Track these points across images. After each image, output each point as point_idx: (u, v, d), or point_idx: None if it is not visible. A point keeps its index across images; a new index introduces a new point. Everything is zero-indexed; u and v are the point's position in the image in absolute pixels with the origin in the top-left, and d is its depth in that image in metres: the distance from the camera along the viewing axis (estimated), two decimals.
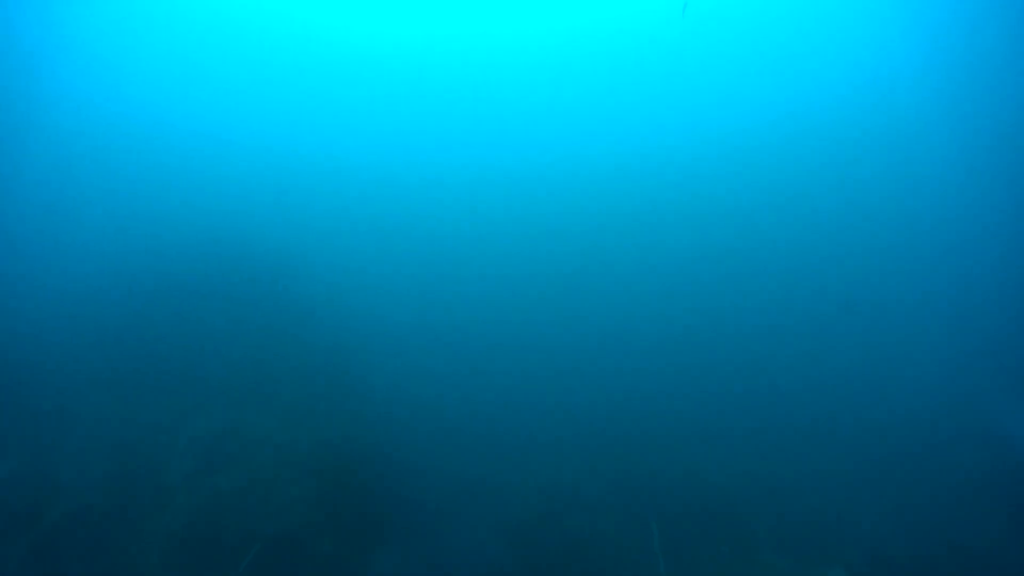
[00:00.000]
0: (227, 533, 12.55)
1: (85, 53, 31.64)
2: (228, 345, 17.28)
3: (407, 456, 14.68)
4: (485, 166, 31.94)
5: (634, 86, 36.22)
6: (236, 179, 28.08)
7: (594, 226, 28.99)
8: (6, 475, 12.98)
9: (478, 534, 12.75)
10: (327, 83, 37.60)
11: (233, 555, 12.22)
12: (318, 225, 25.39)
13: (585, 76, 36.57)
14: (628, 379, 19.97)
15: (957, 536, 13.18)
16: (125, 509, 13.11)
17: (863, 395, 18.47)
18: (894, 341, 20.85)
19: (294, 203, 26.71)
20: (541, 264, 26.06)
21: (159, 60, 33.69)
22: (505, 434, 16.75)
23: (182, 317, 17.99)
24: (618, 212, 28.50)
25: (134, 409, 15.10)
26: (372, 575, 11.71)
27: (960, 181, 26.46)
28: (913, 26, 29.61)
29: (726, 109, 34.30)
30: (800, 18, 33.53)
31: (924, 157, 27.68)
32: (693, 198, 29.13)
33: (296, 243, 23.25)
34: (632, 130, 34.12)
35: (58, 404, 14.84)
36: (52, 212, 23.00)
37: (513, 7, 35.89)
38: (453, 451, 15.51)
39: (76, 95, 29.73)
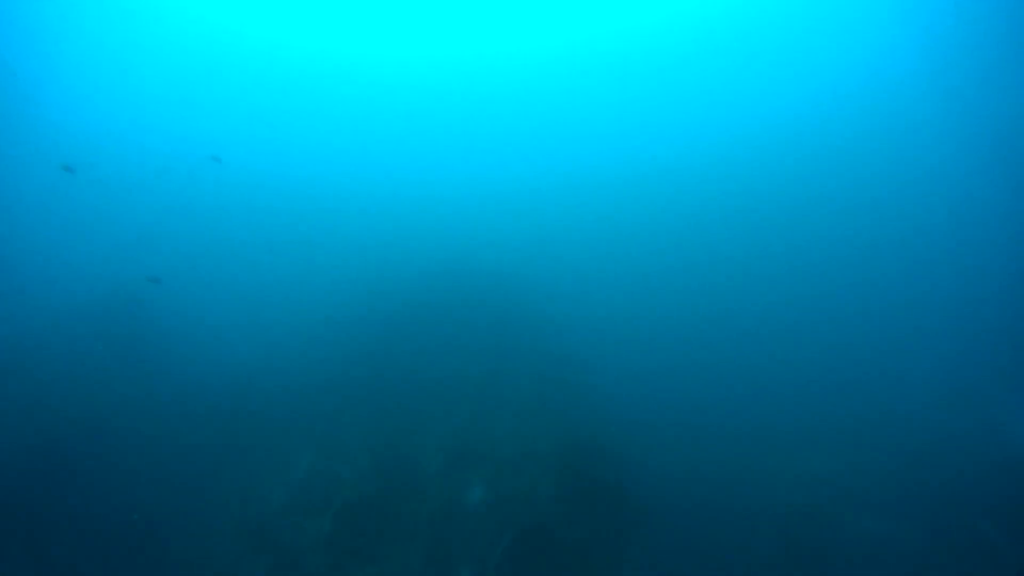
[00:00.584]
0: (481, 523, 13.94)
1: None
2: (464, 356, 19.18)
3: (639, 452, 15.22)
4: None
5: None
6: (469, 203, 31.61)
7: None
8: (306, 467, 15.57)
9: (741, 524, 12.87)
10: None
11: (489, 541, 13.54)
12: (542, 242, 27.56)
13: None
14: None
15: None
16: (392, 499, 15.07)
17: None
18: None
19: (523, 222, 29.38)
20: (744, 263, 26.03)
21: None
22: (739, 429, 16.77)
23: (426, 333, 20.35)
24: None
25: (390, 415, 17.34)
26: (628, 562, 12.31)
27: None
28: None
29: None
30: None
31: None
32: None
33: (520, 259, 25.40)
34: None
35: (336, 410, 17.51)
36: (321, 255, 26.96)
37: None
38: (680, 445, 15.85)
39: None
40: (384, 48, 43.53)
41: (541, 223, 30.77)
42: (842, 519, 14.23)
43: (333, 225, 29.86)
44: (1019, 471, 14.97)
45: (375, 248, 26.41)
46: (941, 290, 23.32)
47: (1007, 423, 16.75)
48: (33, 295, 19.52)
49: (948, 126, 28.30)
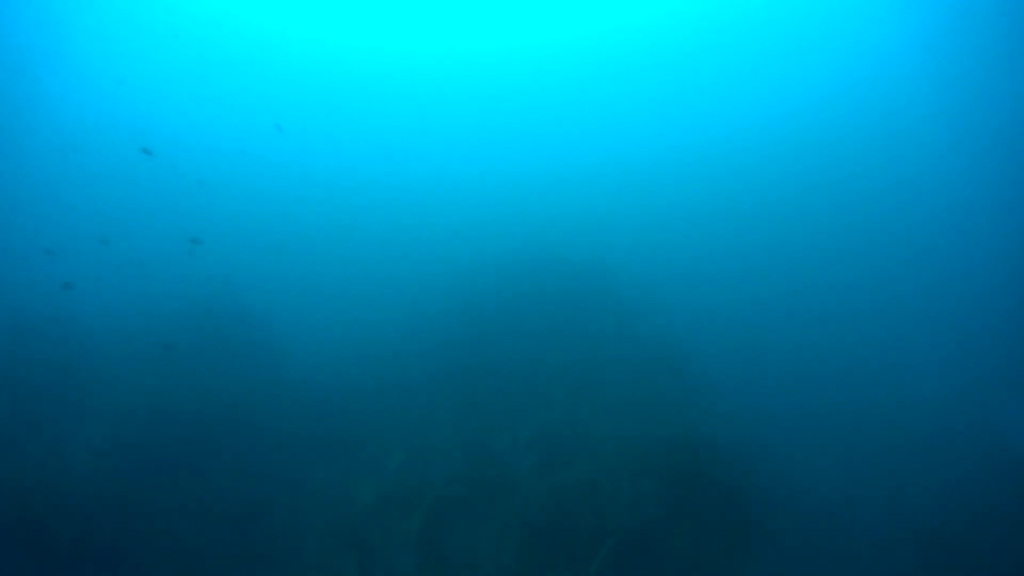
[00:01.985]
0: (578, 525, 12.95)
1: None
2: (555, 348, 18.36)
3: (755, 451, 13.72)
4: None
5: None
6: (559, 188, 31.33)
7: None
8: (395, 466, 15.24)
9: (873, 539, 11.21)
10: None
11: (586, 547, 12.52)
12: (635, 228, 27.03)
13: None
14: None
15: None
16: (483, 500, 14.39)
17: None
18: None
19: (615, 209, 28.88)
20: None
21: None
22: (870, 429, 14.94)
23: (517, 326, 19.74)
24: None
25: (480, 411, 16.76)
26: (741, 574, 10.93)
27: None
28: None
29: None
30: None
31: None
32: None
33: (615, 246, 24.70)
34: None
35: (425, 409, 17.17)
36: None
37: None
38: (802, 444, 14.24)
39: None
40: (449, 41, 43.61)
41: (638, 206, 29.78)
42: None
43: (418, 219, 30.07)
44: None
45: (463, 240, 26.28)
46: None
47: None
48: (141, 294, 20.62)
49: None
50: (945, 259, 24.67)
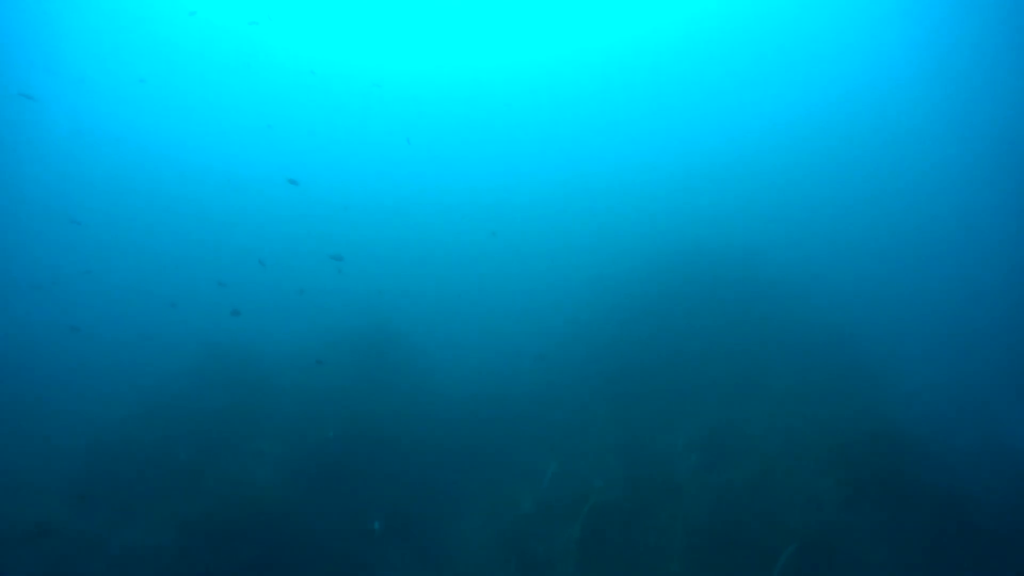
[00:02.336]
0: (750, 530, 11.71)
1: None
2: (711, 341, 17.17)
3: (961, 447, 11.49)
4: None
5: None
6: (707, 180, 30.45)
7: None
8: (553, 474, 15.05)
9: None
10: None
11: (760, 556, 11.25)
12: (784, 214, 26.37)
13: None
14: None
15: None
16: (645, 505, 13.62)
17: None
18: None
19: (761, 196, 27.99)
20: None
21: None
22: None
23: (668, 322, 18.86)
24: None
25: (633, 413, 16.04)
26: None
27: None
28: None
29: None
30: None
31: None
32: None
33: (764, 233, 23.72)
34: None
35: (579, 413, 16.86)
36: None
37: None
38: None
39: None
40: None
41: (787, 192, 27.71)
42: None
43: (560, 224, 30.13)
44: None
45: (606, 241, 25.91)
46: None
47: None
48: (308, 322, 22.76)
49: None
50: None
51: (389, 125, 44.14)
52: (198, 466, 15.52)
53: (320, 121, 44.12)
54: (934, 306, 20.63)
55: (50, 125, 36.08)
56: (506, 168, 39.58)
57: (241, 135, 42.73)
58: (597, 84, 43.18)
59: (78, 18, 36.23)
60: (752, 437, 13.28)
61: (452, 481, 15.49)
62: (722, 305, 18.49)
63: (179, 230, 31.68)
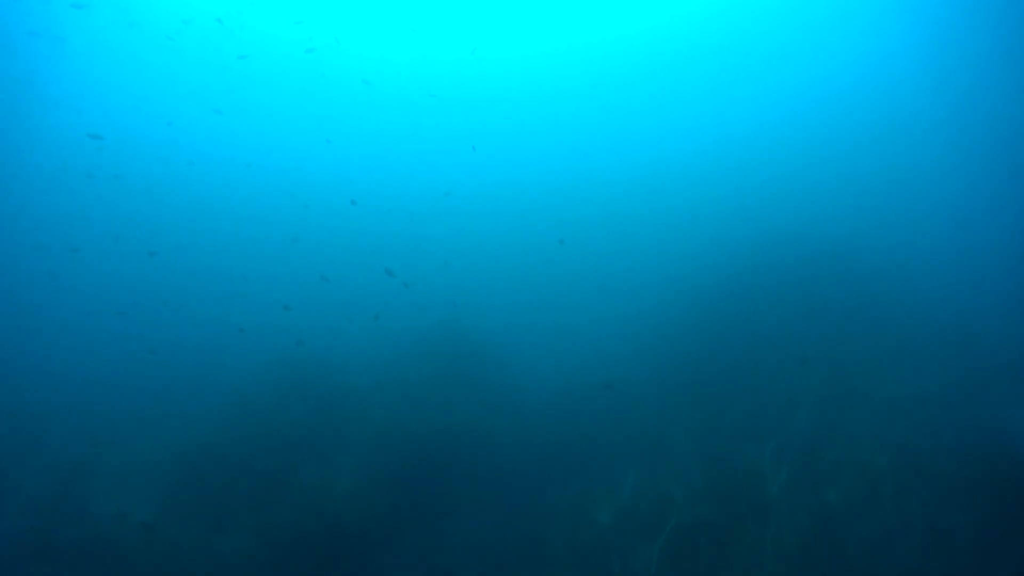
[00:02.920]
0: (852, 558, 10.74)
1: None
2: (804, 342, 16.06)
3: None
4: None
5: None
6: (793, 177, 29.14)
7: None
8: (631, 488, 14.41)
9: None
10: None
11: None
12: (882, 203, 24.63)
13: None
14: None
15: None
16: (730, 520, 12.82)
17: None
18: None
19: (854, 183, 26.78)
20: None
21: None
22: None
23: (751, 322, 17.88)
24: None
25: (720, 421, 15.18)
26: None
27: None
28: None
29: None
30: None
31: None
32: None
33: (861, 223, 22.25)
34: None
35: (658, 421, 16.11)
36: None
37: None
38: None
39: None
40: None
41: (882, 180, 26.11)
42: None
43: (631, 219, 29.28)
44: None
45: (684, 237, 25.02)
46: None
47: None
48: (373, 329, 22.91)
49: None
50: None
51: (447, 132, 44.26)
52: (279, 477, 15.75)
53: (377, 131, 44.64)
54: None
55: (125, 162, 38.14)
56: (565, 166, 38.84)
57: (303, 152, 43.80)
58: (659, 70, 41.94)
59: (147, 54, 38.32)
60: (850, 446, 12.22)
61: (531, 491, 15.08)
62: (815, 301, 17.22)
63: (247, 253, 32.82)
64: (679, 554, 12.62)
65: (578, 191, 34.22)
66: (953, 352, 14.72)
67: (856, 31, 36.27)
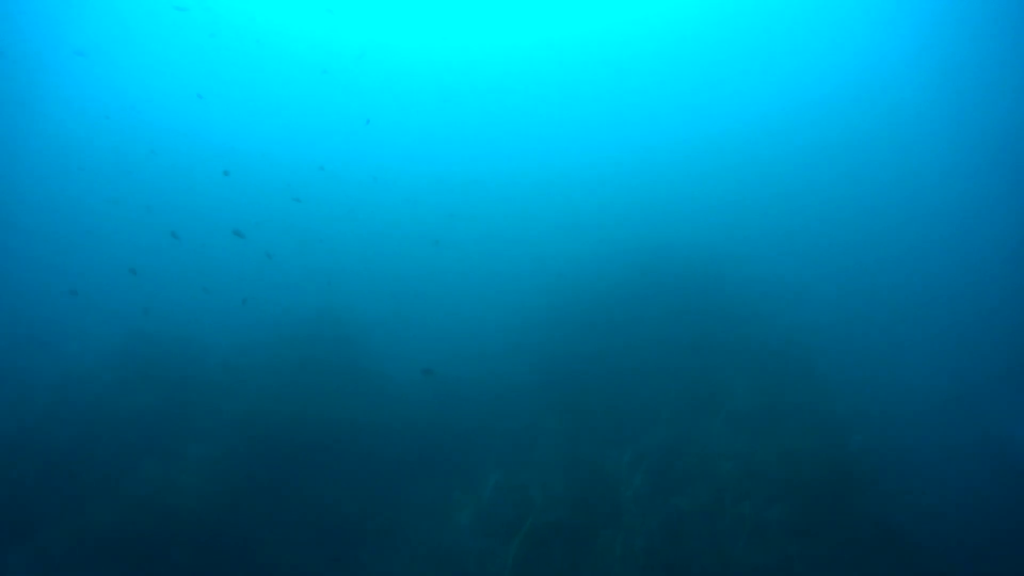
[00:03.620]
0: (695, 559, 11.20)
1: None
2: (666, 354, 16.63)
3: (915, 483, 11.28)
4: None
5: None
6: (659, 181, 29.83)
7: None
8: (493, 485, 14.27)
9: None
10: None
11: None
12: (751, 218, 26.12)
13: None
14: None
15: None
16: (587, 526, 13.00)
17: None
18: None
19: (727, 197, 27.77)
20: None
21: None
22: None
23: (622, 329, 18.27)
24: None
25: (584, 427, 15.40)
26: None
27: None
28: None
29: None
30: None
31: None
32: None
33: (731, 239, 23.52)
34: None
35: (524, 423, 16.11)
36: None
37: None
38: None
39: None
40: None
41: (754, 193, 27.57)
42: None
43: (511, 221, 29.32)
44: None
45: (558, 240, 25.31)
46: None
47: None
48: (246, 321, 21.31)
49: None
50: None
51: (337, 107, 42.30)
52: (116, 471, 14.16)
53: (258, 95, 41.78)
54: (912, 319, 20.75)
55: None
56: (462, 158, 38.34)
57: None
58: (570, 76, 42.18)
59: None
60: (704, 457, 12.78)
61: (390, 489, 14.55)
62: (680, 314, 17.96)
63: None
64: (537, 557, 12.61)
65: (471, 188, 33.85)
66: (802, 369, 15.81)
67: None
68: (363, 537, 13.73)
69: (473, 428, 16.51)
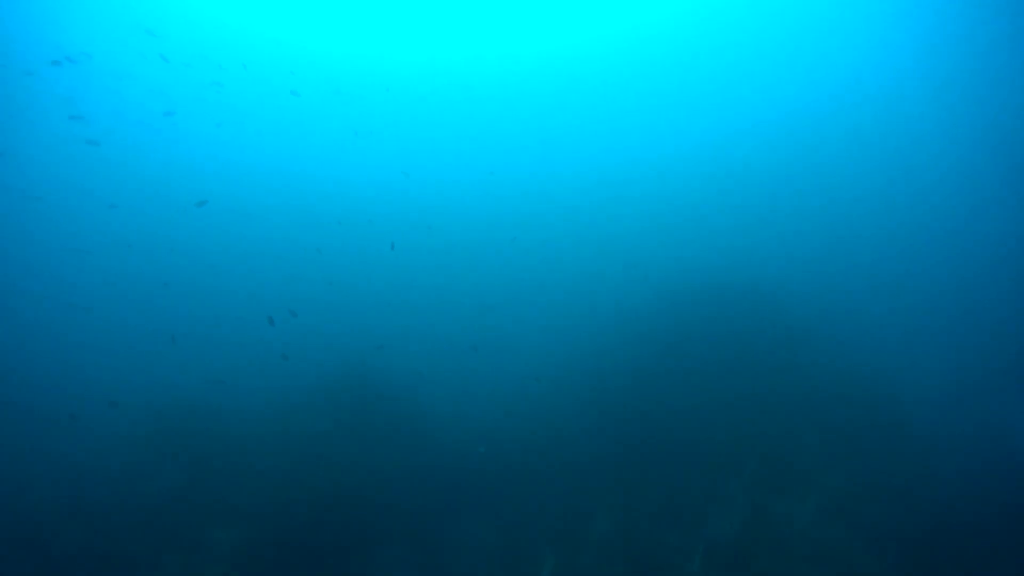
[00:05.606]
0: None
1: None
2: (739, 416, 15.20)
3: None
4: None
5: None
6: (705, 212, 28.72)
7: None
8: (551, 572, 13.00)
9: None
10: None
11: None
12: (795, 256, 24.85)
13: None
14: None
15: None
16: None
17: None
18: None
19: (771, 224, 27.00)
20: None
21: None
22: None
23: (676, 376, 16.91)
24: None
25: (641, 498, 14.10)
26: None
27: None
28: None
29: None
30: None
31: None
32: None
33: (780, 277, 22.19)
34: None
35: (577, 493, 14.80)
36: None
37: None
38: None
39: None
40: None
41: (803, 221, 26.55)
42: None
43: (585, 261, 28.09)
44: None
45: (606, 288, 24.12)
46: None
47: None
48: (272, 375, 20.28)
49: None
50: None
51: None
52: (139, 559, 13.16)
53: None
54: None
55: None
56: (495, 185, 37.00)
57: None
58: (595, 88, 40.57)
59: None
60: (781, 539, 11.44)
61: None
62: (757, 365, 16.47)
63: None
64: None
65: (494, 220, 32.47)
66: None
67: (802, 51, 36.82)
68: None
69: (518, 504, 15.09)
